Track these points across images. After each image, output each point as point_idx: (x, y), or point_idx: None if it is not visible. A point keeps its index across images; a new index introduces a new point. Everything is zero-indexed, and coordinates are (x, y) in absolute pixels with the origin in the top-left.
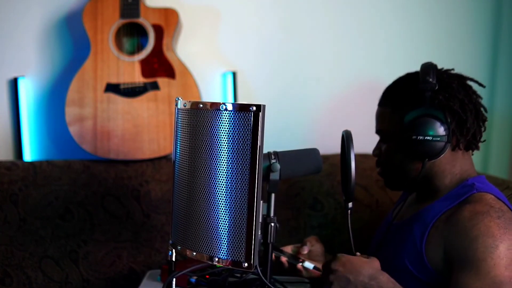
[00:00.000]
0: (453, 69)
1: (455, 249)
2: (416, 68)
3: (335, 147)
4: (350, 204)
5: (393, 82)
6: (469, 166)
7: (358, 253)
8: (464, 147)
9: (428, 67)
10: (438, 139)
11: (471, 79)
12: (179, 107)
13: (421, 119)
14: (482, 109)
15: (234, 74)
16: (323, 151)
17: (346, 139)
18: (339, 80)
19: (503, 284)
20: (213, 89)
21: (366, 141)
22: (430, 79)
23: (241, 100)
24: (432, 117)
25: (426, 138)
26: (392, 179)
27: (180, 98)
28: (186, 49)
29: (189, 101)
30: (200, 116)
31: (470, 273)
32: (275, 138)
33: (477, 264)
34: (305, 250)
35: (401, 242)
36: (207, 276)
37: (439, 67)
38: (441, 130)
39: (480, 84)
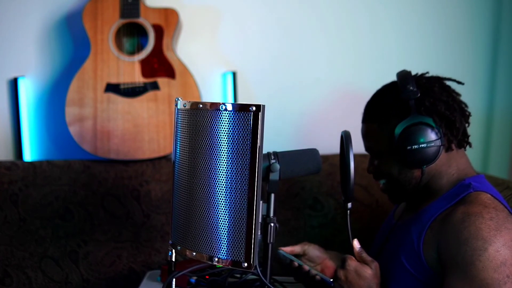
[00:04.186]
0: (427, 72)
1: (447, 251)
2: (416, 68)
3: (335, 147)
4: (349, 205)
5: (372, 97)
6: (466, 165)
7: (358, 246)
8: (457, 146)
9: (405, 75)
10: (432, 144)
11: (449, 79)
12: (179, 107)
13: (412, 128)
14: (463, 105)
15: (234, 74)
16: (323, 151)
17: (345, 139)
18: (338, 80)
19: (490, 286)
20: (213, 89)
21: None
22: (411, 87)
23: (241, 100)
24: (422, 124)
25: (420, 146)
26: (395, 192)
27: (180, 98)
28: (186, 49)
29: (189, 102)
30: (200, 116)
31: (459, 277)
32: (275, 138)
33: (465, 268)
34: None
35: (400, 243)
36: (207, 277)
37: (431, 70)
38: (433, 135)
39: (459, 82)
